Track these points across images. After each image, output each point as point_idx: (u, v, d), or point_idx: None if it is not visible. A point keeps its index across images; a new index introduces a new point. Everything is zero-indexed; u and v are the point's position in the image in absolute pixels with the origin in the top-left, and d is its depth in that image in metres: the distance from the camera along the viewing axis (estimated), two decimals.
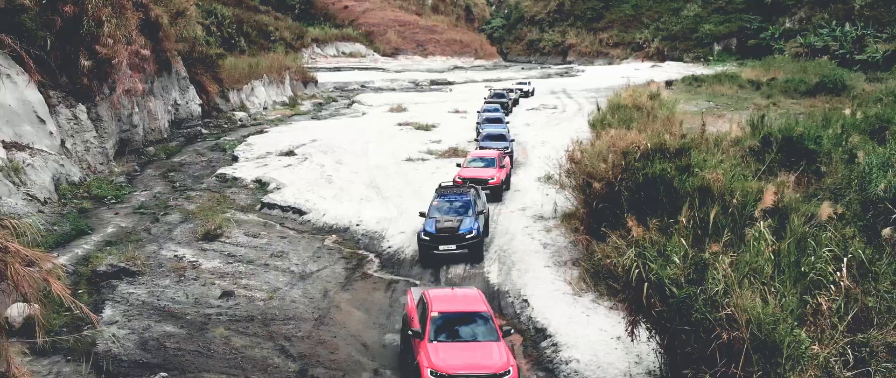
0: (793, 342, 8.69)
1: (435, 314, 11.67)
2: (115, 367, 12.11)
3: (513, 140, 30.58)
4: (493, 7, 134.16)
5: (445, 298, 12.42)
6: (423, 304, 12.34)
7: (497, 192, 22.62)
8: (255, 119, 43.31)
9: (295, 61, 61.12)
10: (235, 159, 30.10)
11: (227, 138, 35.70)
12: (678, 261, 9.68)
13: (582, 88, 59.79)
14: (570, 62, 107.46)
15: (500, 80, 70.39)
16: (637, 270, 9.55)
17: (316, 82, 60.51)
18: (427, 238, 17.16)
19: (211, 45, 45.05)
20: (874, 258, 11.17)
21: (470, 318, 11.89)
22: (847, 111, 27.47)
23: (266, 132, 37.54)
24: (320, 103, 53.46)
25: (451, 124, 38.97)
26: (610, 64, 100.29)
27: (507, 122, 35.05)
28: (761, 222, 10.22)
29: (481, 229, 17.71)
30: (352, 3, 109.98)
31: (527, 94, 54.41)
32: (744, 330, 8.47)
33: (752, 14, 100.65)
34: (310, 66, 67.94)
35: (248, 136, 36.13)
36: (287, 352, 12.68)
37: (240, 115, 42.93)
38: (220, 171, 27.76)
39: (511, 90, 51.69)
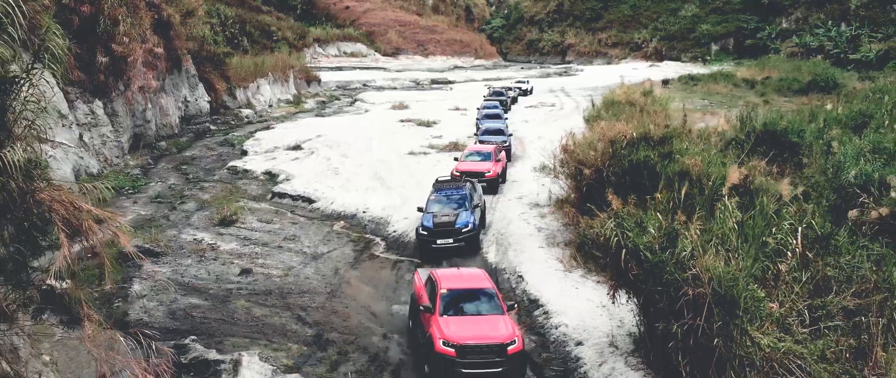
0: (750, 298, 9.97)
1: (444, 291, 12.54)
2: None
3: (510, 135, 31.80)
4: (493, 7, 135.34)
5: (453, 277, 13.35)
6: (431, 283, 13.22)
7: (493, 185, 23.53)
8: (261, 116, 44.56)
9: (298, 61, 62.40)
10: (245, 153, 31.36)
11: (235, 134, 36.96)
12: (653, 231, 10.96)
13: (580, 87, 61.02)
14: (569, 62, 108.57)
15: (499, 79, 71.65)
16: (616, 238, 10.83)
17: (319, 81, 61.76)
18: (425, 232, 17.71)
19: (218, 45, 46.28)
20: (833, 232, 12.46)
21: (476, 294, 12.78)
22: (829, 106, 28.77)
23: (272, 128, 38.79)
24: (323, 101, 54.71)
25: (452, 121, 40.22)
26: (608, 63, 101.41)
27: (506, 119, 36.29)
28: (727, 198, 11.50)
29: (477, 223, 18.34)
30: (353, 3, 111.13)
31: (525, 93, 55.69)
32: (706, 287, 9.75)
33: (750, 14, 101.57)
34: (312, 65, 69.13)
35: (256, 131, 37.39)
36: (304, 320, 13.97)
37: (246, 112, 44.19)
38: (230, 164, 29.03)
39: (510, 88, 53.01)
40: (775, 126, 22.41)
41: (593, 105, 31.62)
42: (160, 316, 14.12)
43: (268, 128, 39.05)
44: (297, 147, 31.88)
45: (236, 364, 11.63)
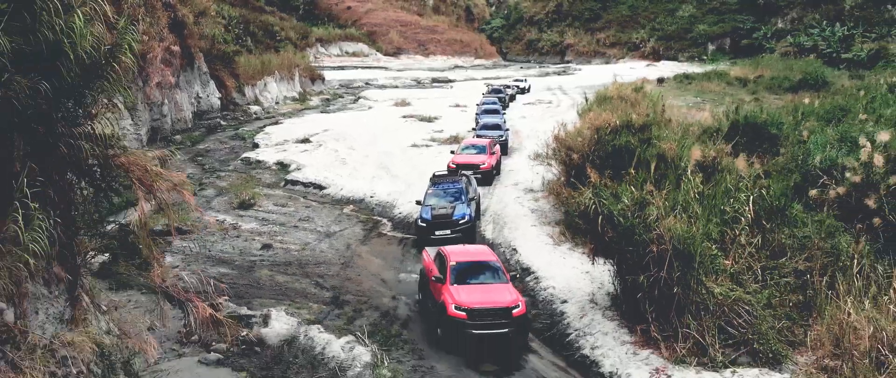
0: (706, 253, 11.74)
1: (454, 263, 13.86)
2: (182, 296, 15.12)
3: (507, 130, 33.49)
4: (493, 7, 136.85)
5: (461, 252, 14.70)
6: (441, 258, 14.46)
7: (488, 177, 24.80)
8: (269, 112, 46.31)
9: (303, 60, 64.17)
10: (256, 146, 33.12)
11: (245, 129, 38.72)
12: (626, 200, 12.73)
13: (577, 86, 62.65)
14: (568, 62, 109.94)
15: (499, 78, 73.35)
16: (594, 206, 12.59)
17: (323, 79, 63.51)
18: (424, 224, 18.52)
19: (228, 43, 48.04)
20: (787, 204, 14.25)
21: (482, 265, 14.13)
22: (806, 100, 30.53)
23: (280, 123, 40.55)
24: (328, 99, 56.45)
25: (452, 116, 41.97)
26: (607, 63, 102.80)
27: (503, 115, 38.02)
28: (691, 174, 13.27)
29: (473, 215, 19.25)
30: (354, 3, 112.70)
31: (523, 91, 57.45)
32: (668, 244, 11.52)
33: (746, 15, 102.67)
34: (315, 65, 70.87)
35: (265, 126, 39.14)
36: (321, 285, 15.75)
37: (254, 108, 45.96)
38: (244, 155, 30.79)
39: (508, 86, 54.76)
40: (755, 119, 24.10)
41: (587, 101, 33.32)
42: (193, 282, 15.83)
43: (276, 123, 40.79)
44: (305, 140, 33.64)
45: (266, 317, 13.40)
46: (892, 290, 11.20)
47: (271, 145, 32.90)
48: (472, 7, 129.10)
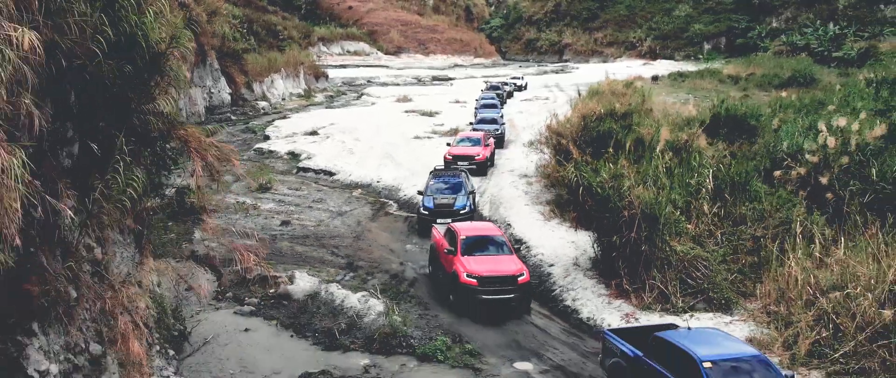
0: (670, 217, 13.69)
1: (464, 237, 15.37)
2: (210, 264, 17.07)
3: (503, 124, 35.30)
4: (493, 7, 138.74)
5: (469, 228, 16.29)
6: (451, 233, 15.77)
7: (482, 167, 26.18)
8: (276, 108, 48.29)
9: (307, 58, 66.15)
10: (267, 138, 35.08)
11: (254, 123, 40.69)
12: (605, 174, 14.68)
13: (573, 83, 64.50)
14: (566, 61, 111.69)
15: (497, 76, 75.31)
16: (576, 179, 14.55)
17: (326, 77, 65.50)
18: (426, 212, 19.64)
19: (238, 41, 50.00)
20: (747, 178, 16.20)
21: (489, 239, 15.69)
22: (784, 94, 32.47)
23: (288, 118, 42.52)
24: (331, 96, 58.41)
25: (452, 111, 43.92)
26: (604, 62, 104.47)
27: (501, 110, 39.94)
28: (661, 152, 15.23)
29: (472, 206, 20.41)
30: (356, 3, 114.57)
31: (520, 88, 59.48)
32: (637, 209, 13.47)
33: (741, 14, 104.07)
34: (318, 63, 72.80)
35: (273, 120, 41.12)
36: (336, 254, 17.72)
37: (262, 104, 47.93)
38: (256, 146, 32.75)
39: (506, 83, 56.82)
40: (735, 111, 26.00)
41: (579, 95, 35.29)
42: (222, 251, 17.79)
43: (284, 117, 42.76)
44: (313, 132, 35.60)
45: (292, 277, 15.36)
46: (828, 249, 13.18)
47: (281, 137, 34.84)
48: (472, 7, 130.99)
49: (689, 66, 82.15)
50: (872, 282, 11.74)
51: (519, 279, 14.25)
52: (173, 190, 13.01)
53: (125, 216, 10.65)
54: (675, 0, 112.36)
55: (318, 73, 64.10)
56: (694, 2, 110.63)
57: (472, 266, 14.43)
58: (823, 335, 11.32)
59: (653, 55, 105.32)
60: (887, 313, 11.02)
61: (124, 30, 10.13)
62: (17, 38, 6.51)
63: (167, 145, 11.50)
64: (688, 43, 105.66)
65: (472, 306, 14.24)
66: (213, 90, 41.99)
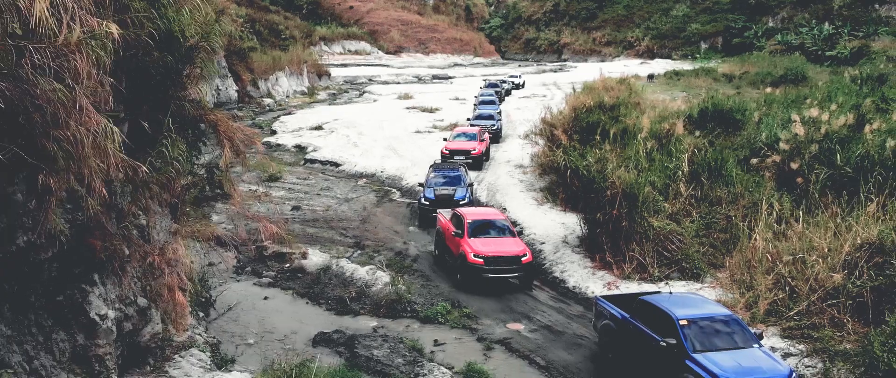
0: (648, 196, 15.13)
1: (470, 221, 16.56)
2: (230, 242, 18.50)
3: (500, 120, 36.62)
4: (492, 7, 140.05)
5: (475, 212, 17.49)
6: (457, 217, 17.02)
7: (478, 161, 27.31)
8: (281, 105, 49.72)
9: (310, 57, 67.58)
10: (274, 132, 36.53)
11: (261, 119, 42.13)
12: (591, 159, 16.13)
13: (571, 82, 65.80)
14: (564, 60, 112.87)
15: (496, 75, 76.76)
16: (564, 162, 15.99)
17: (329, 75, 66.93)
18: (427, 203, 20.51)
19: (244, 40, 51.40)
20: (722, 163, 17.63)
21: (494, 223, 16.94)
22: (768, 90, 33.91)
23: (293, 114, 43.97)
24: (334, 93, 59.84)
25: (452, 108, 45.37)
26: (602, 61, 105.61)
27: (499, 107, 41.35)
28: (643, 139, 16.66)
29: (470, 197, 21.29)
30: (356, 3, 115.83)
31: (518, 86, 60.98)
32: (619, 188, 14.91)
33: (738, 14, 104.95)
34: (320, 62, 74.17)
35: (279, 116, 42.59)
36: (345, 234, 19.17)
37: (267, 101, 49.37)
38: (264, 140, 34.10)
39: (504, 81, 58.34)
40: (722, 106, 27.39)
41: (574, 91, 36.69)
42: (239, 232, 19.23)
43: (289, 114, 44.22)
44: (319, 127, 37.05)
45: (304, 254, 16.80)
46: (790, 224, 14.63)
47: (288, 132, 36.29)
48: (472, 6, 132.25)
49: (685, 65, 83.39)
50: (827, 250, 13.17)
51: (522, 259, 15.37)
52: (203, 169, 14.39)
53: (166, 190, 12.11)
54: (673, 0, 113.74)
55: (321, 72, 65.54)
56: (691, 2, 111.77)
57: (479, 247, 15.51)
58: (780, 297, 12.75)
59: (650, 54, 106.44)
60: (837, 277, 12.45)
61: (165, 25, 11.60)
62: (102, 30, 7.89)
63: (200, 127, 12.92)
64: (685, 42, 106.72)
65: (478, 284, 15.37)
66: (220, 87, 43.42)
